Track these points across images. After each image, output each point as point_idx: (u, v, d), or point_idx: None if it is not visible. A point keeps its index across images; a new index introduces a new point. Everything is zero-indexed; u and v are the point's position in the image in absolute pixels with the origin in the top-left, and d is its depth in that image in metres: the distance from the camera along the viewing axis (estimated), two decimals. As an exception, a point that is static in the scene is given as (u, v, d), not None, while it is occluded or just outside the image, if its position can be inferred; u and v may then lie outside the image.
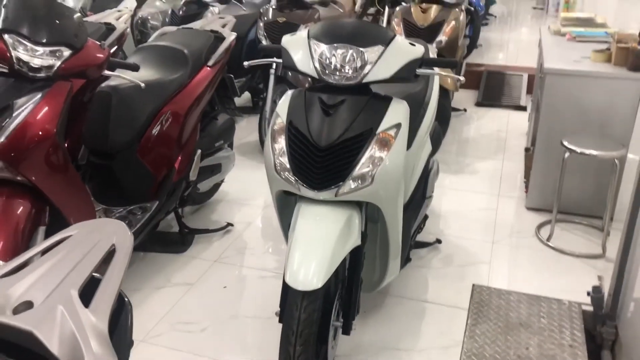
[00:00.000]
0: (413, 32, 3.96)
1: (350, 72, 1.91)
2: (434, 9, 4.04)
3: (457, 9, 4.18)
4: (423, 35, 3.94)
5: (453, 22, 4.05)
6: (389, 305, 2.61)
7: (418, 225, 2.79)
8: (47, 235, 2.23)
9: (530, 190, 3.46)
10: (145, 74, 2.70)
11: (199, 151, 2.90)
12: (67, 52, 2.10)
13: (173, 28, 3.22)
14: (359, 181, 1.87)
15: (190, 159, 2.84)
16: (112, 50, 3.07)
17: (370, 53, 1.91)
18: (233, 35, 3.12)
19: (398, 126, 1.93)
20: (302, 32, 2.03)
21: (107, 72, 2.27)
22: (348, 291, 2.02)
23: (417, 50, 1.99)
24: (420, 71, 2.01)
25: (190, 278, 2.78)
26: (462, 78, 2.03)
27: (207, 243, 3.07)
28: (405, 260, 2.83)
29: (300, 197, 1.95)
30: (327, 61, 1.91)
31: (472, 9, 4.76)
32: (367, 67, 1.90)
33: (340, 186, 1.86)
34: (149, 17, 4.80)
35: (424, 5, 4.07)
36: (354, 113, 1.89)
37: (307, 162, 1.86)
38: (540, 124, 3.30)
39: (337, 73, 1.91)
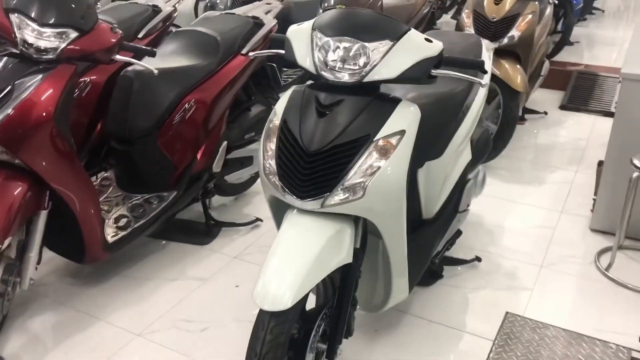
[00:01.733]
0: (483, 25, 3.61)
1: (351, 69, 1.69)
2: (509, 1, 3.66)
3: (536, 2, 3.77)
4: (493, 29, 3.58)
5: (530, 16, 3.65)
6: (404, 326, 2.38)
7: (448, 242, 2.53)
8: (50, 219, 2.21)
9: (597, 210, 3.06)
10: (171, 60, 2.62)
11: (225, 142, 2.79)
12: (73, 34, 2.04)
13: (216, 13, 3.12)
14: (350, 192, 1.66)
15: (214, 149, 2.73)
16: (156, 32, 3.03)
17: (376, 49, 1.68)
18: (273, 22, 2.97)
19: (401, 133, 1.70)
20: (309, 22, 1.83)
21: (118, 57, 2.20)
22: (337, 311, 1.82)
23: (433, 47, 1.73)
24: (437, 72, 1.75)
25: (205, 273, 2.69)
26: (482, 81, 1.75)
27: (232, 237, 2.96)
28: (433, 275, 2.59)
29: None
30: (327, 56, 1.71)
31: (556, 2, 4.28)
32: (370, 65, 1.68)
33: (327, 197, 1.66)
34: (217, 1, 4.75)
35: (497, -4, 3.70)
36: (351, 115, 1.68)
37: (294, 168, 1.68)
38: (612, 136, 2.89)
39: (337, 70, 1.70)
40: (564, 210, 3.29)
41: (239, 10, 3.13)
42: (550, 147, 4.15)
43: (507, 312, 2.45)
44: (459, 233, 2.64)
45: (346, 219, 1.74)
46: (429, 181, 2.28)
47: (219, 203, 3.24)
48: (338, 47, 1.70)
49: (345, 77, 1.70)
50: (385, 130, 1.68)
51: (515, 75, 3.56)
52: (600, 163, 3.27)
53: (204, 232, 2.93)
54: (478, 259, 2.76)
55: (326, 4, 3.94)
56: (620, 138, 2.87)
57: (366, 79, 1.68)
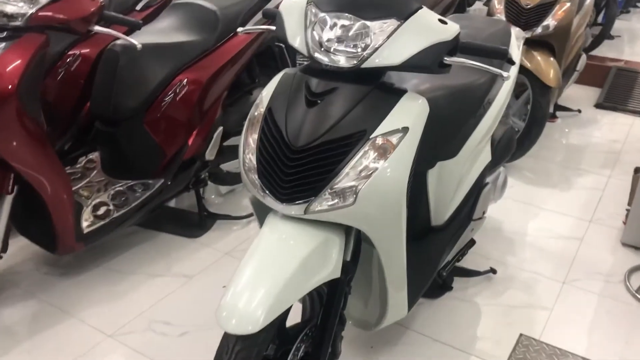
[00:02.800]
0: (515, 12, 3.28)
1: (349, 52, 1.43)
2: (545, -14, 3.33)
3: (575, -11, 3.43)
4: (526, 17, 3.26)
5: (568, 4, 3.31)
6: (404, 344, 2.13)
7: (459, 252, 2.26)
8: (21, 203, 2.01)
9: (630, 222, 2.75)
10: (164, 35, 2.38)
11: (221, 128, 2.55)
12: (42, 0, 1.81)
13: (220, -16, 2.86)
14: (339, 198, 1.41)
15: (208, 135, 2.50)
16: (155, 4, 2.80)
17: (378, 29, 1.41)
18: (281, -1, 2.69)
19: (404, 130, 1.43)
20: (304, -5, 1.57)
21: (97, 28, 1.97)
22: (321, 331, 1.58)
23: (448, 30, 1.46)
24: (451, 60, 1.47)
25: (191, 269, 2.47)
26: (505, 74, 1.47)
27: (226, 231, 2.73)
28: (442, 287, 2.34)
29: (272, 206, 1.52)
30: (322, 34, 1.45)
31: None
32: (371, 48, 1.41)
33: (312, 201, 1.41)
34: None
35: (533, -19, 3.37)
36: (345, 107, 1.42)
37: (276, 165, 1.43)
38: (652, 142, 2.57)
39: (333, 52, 1.44)
40: (593, 219, 2.98)
41: (246, -16, 2.87)
42: (582, 149, 3.82)
43: (521, 335, 2.18)
44: (472, 243, 2.37)
45: (335, 227, 1.49)
46: (441, 184, 2.01)
47: (216, 193, 3.01)
48: (335, 25, 1.44)
49: (341, 60, 1.43)
50: (385, 126, 1.41)
51: (548, 68, 3.24)
52: (637, 170, 2.96)
53: (197, 223, 2.71)
54: (493, 270, 2.48)
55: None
56: (663, 144, 2.55)
57: (365, 65, 1.42)
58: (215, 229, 2.75)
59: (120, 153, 2.37)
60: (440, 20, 1.47)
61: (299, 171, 1.40)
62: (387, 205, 1.45)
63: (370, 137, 1.40)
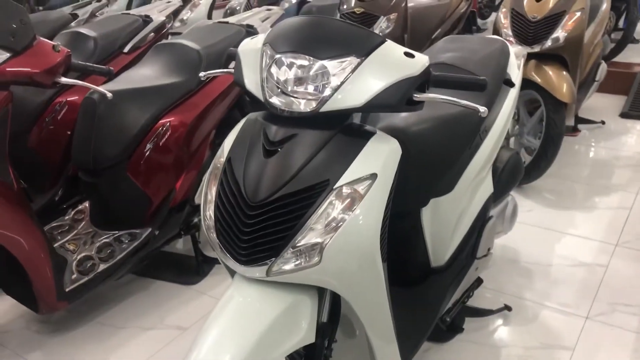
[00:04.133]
0: (522, 26, 3.11)
1: (309, 94, 1.30)
2: (553, -4, 3.15)
3: (586, -4, 3.24)
4: (534, 31, 3.08)
5: (578, 14, 3.13)
6: (409, 397, 1.95)
7: (465, 294, 2.09)
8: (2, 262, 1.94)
9: (659, 246, 2.53)
10: (145, 78, 2.30)
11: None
12: (3, 56, 1.74)
13: (208, 22, 2.78)
14: (303, 257, 1.27)
15: (196, 178, 2.39)
16: (144, 45, 2.74)
17: (337, 68, 1.28)
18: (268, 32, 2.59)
19: (372, 177, 1.29)
20: (263, 35, 1.45)
21: (64, 80, 1.89)
22: (300, 401, 1.43)
23: (415, 64, 1.31)
24: (421, 96, 1.33)
25: (186, 320, 2.35)
26: (482, 109, 1.31)
27: (224, 276, 2.61)
28: (452, 328, 2.16)
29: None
30: (276, 78, 1.33)
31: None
32: (329, 90, 1.28)
33: (273, 263, 1.27)
34: (237, 7, 4.44)
35: (540, -9, 3.19)
36: (306, 155, 1.29)
37: (233, 223, 1.30)
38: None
39: (291, 94, 1.31)
40: (620, 243, 2.76)
41: (233, 19, 2.79)
42: (607, 163, 3.59)
43: (539, 381, 1.98)
44: (478, 282, 2.19)
45: (307, 287, 1.35)
46: (437, 222, 1.85)
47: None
48: (293, 65, 1.31)
49: (299, 105, 1.31)
50: (350, 174, 1.27)
51: (561, 83, 3.05)
52: (664, 187, 2.73)
53: (193, 269, 2.59)
54: (508, 308, 2.29)
55: (344, 6, 3.54)
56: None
57: (324, 108, 1.28)
58: (213, 274, 2.63)
59: (106, 203, 2.29)
60: (406, 53, 1.33)
61: (258, 229, 1.27)
62: (358, 260, 1.30)
63: (334, 187, 1.26)
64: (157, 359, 2.16)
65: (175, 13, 3.12)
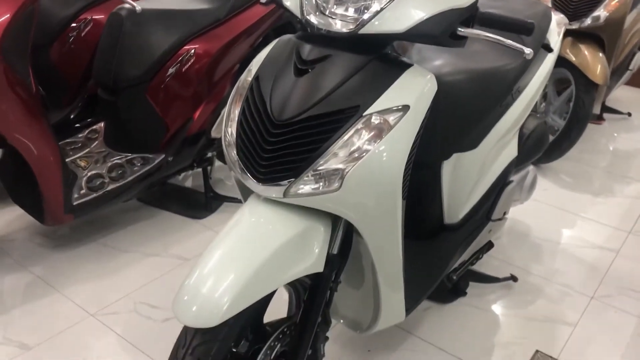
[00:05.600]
0: (562, 1, 3.02)
1: (346, 15, 1.24)
2: (600, -26, 3.05)
3: (634, -22, 3.14)
4: (575, 6, 2.99)
5: (623, -5, 3.04)
6: (405, 349, 1.94)
7: (474, 255, 2.06)
8: (7, 171, 1.91)
9: (674, 237, 2.48)
10: (172, 1, 2.23)
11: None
12: (33, -48, 1.69)
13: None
14: (323, 182, 1.23)
15: (215, 111, 2.35)
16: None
17: (382, -11, 1.23)
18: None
19: (404, 109, 1.24)
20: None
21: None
22: (301, 329, 1.41)
23: (463, -5, 1.26)
24: (466, 31, 1.27)
25: (189, 252, 2.33)
26: (527, 50, 1.26)
27: (232, 214, 2.57)
28: (455, 291, 2.14)
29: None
30: (316, -4, 1.27)
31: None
32: (370, 11, 1.23)
33: (292, 183, 1.23)
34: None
35: (586, -33, 3.09)
36: (338, 78, 1.24)
37: (256, 141, 1.26)
38: None
39: (329, 14, 1.26)
40: (633, 231, 2.71)
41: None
42: (628, 155, 3.52)
43: (537, 351, 1.96)
44: (489, 246, 2.15)
45: (322, 214, 1.31)
46: (457, 178, 1.81)
47: (226, 174, 2.87)
48: (335, -16, 1.26)
49: (337, 25, 1.25)
50: (382, 102, 1.23)
51: (595, 64, 2.97)
52: (687, 180, 2.67)
53: (202, 204, 2.57)
54: (514, 278, 2.26)
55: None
56: None
57: (363, 30, 1.23)
58: (221, 211, 2.61)
59: (121, 124, 2.25)
60: (455, -16, 1.27)
61: (280, 148, 1.23)
62: (378, 194, 1.26)
63: (364, 114, 1.22)
64: (156, 284, 2.15)
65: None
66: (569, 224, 2.74)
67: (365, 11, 1.23)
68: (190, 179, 2.85)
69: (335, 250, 1.36)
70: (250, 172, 1.27)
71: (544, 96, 3.24)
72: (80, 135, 2.38)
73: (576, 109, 3.01)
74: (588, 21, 2.99)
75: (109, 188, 2.15)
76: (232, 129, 1.33)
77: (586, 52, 3.01)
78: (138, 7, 1.94)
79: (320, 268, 1.31)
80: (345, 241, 1.40)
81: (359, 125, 1.21)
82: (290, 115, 1.23)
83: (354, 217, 1.28)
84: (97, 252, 2.28)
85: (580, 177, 3.19)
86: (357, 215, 1.28)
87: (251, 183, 1.28)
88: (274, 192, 1.26)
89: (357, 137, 1.22)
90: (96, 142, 2.34)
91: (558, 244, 2.57)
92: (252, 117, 1.28)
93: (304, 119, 1.22)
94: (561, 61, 2.98)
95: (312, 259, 1.29)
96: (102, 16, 2.40)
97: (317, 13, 1.28)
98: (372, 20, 1.22)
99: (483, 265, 2.30)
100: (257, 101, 1.29)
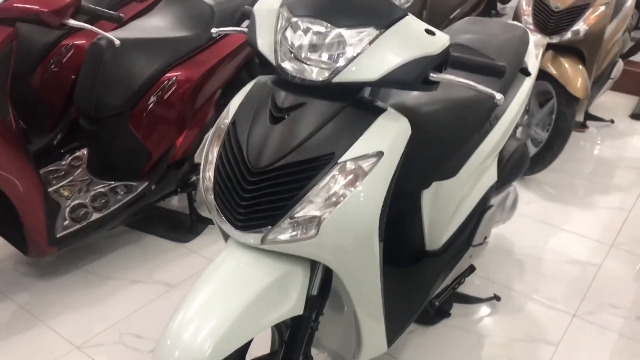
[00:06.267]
0: (543, 15, 3.04)
1: (321, 61, 1.26)
2: (578, -13, 3.08)
3: (612, -8, 3.17)
4: (555, 21, 3.01)
5: (602, 8, 3.06)
6: (389, 376, 1.96)
7: (456, 280, 2.08)
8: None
9: (655, 252, 2.52)
10: (155, 29, 2.24)
11: (213, 129, 2.40)
12: (11, -10, 1.69)
13: (225, -23, 2.70)
14: (300, 229, 1.25)
15: (198, 137, 2.36)
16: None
17: (355, 38, 1.24)
18: (286, -6, 2.53)
19: (378, 155, 1.26)
20: (284, -6, 1.40)
21: (72, 22, 1.84)
22: (283, 370, 1.43)
23: (435, 42, 1.27)
24: (438, 77, 1.29)
25: (174, 277, 2.34)
26: (498, 96, 1.28)
27: (217, 237, 2.60)
28: (439, 312, 2.16)
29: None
30: (291, 42, 1.28)
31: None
32: (343, 60, 1.24)
33: (269, 231, 1.25)
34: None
35: (565, -19, 3.11)
36: (313, 126, 1.25)
37: (233, 187, 1.27)
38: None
39: (304, 60, 1.27)
40: (615, 244, 2.75)
41: (251, -23, 2.71)
42: (611, 163, 3.56)
43: (520, 373, 1.99)
44: (471, 270, 2.18)
45: (300, 258, 1.33)
46: (437, 206, 1.83)
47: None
48: (308, 30, 1.27)
49: (312, 73, 1.27)
50: (356, 149, 1.24)
51: (576, 77, 3.00)
52: (666, 193, 2.71)
53: (187, 227, 2.58)
54: (497, 297, 2.29)
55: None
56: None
57: (337, 79, 1.24)
58: (206, 233, 2.62)
59: (104, 152, 2.26)
60: (427, 30, 1.28)
61: (257, 195, 1.25)
62: (355, 238, 1.28)
63: (339, 161, 1.23)
64: (142, 313, 2.16)
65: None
66: (552, 238, 2.77)
67: (340, 57, 1.24)
68: (175, 200, 2.86)
69: (314, 292, 1.38)
70: (227, 218, 1.29)
71: (527, 109, 3.27)
72: (63, 163, 2.38)
73: (558, 122, 3.04)
74: (568, 35, 3.02)
75: (93, 218, 2.15)
76: (210, 174, 1.34)
77: (567, 66, 3.04)
78: (117, 41, 1.94)
79: (300, 311, 1.33)
80: (325, 280, 1.42)
81: (334, 172, 1.23)
82: (266, 163, 1.24)
83: (332, 261, 1.30)
84: (82, 280, 2.29)
85: (563, 188, 3.23)
86: (335, 259, 1.30)
87: (229, 228, 1.30)
88: (252, 238, 1.27)
89: (332, 184, 1.23)
90: (79, 169, 2.34)
91: (541, 259, 2.60)
92: (229, 163, 1.29)
93: (279, 166, 1.23)
94: (543, 74, 3.01)
95: (291, 302, 1.31)
96: (84, 41, 2.39)
97: (292, 58, 1.29)
98: (346, 69, 1.23)
99: (466, 285, 2.33)
100: (234, 148, 1.30)
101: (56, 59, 2.42)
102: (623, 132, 4.03)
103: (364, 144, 1.25)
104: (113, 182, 2.26)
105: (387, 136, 1.28)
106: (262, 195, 1.24)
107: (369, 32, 1.24)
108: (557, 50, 3.07)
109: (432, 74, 1.27)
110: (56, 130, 2.47)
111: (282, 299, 1.30)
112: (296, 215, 1.23)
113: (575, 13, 3.02)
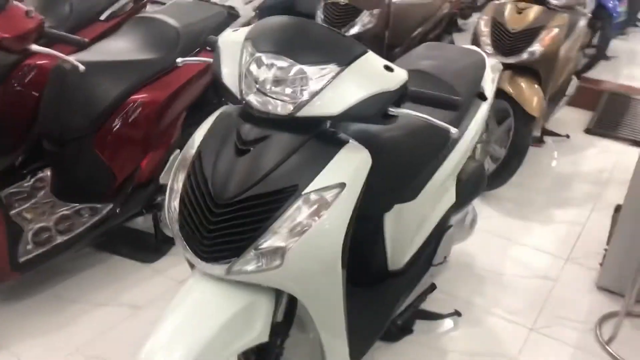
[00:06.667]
0: (500, 36, 3.15)
1: (284, 95, 1.30)
2: (534, 11, 3.19)
3: (565, 14, 3.30)
4: (512, 42, 3.13)
5: (556, 30, 3.18)
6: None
7: (418, 298, 2.14)
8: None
9: (606, 265, 2.62)
10: (120, 52, 2.25)
11: (178, 151, 2.42)
12: (-28, 17, 1.69)
13: (190, -1, 2.73)
14: (265, 259, 1.28)
15: (163, 159, 2.37)
16: (123, 14, 2.67)
17: (317, 75, 1.29)
18: (251, 15, 2.59)
19: (340, 186, 1.30)
20: (246, 29, 1.44)
21: (35, 48, 1.84)
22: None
23: (394, 78, 1.33)
24: (396, 111, 1.35)
25: (140, 299, 2.34)
26: (454, 130, 1.34)
27: (182, 257, 2.59)
28: (402, 329, 2.21)
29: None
30: (255, 76, 1.32)
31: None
32: (307, 96, 1.29)
33: (235, 262, 1.28)
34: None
35: (521, 4, 3.23)
36: (277, 158, 1.29)
37: (198, 219, 1.30)
38: (631, 188, 2.45)
39: (268, 94, 1.31)
40: (570, 258, 2.86)
41: (218, -2, 2.74)
42: (567, 178, 3.69)
43: (480, 388, 2.06)
44: (432, 288, 2.24)
45: (264, 286, 1.36)
46: (399, 227, 1.89)
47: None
48: (272, 66, 1.31)
49: (275, 107, 1.31)
50: (319, 181, 1.29)
51: (531, 97, 3.11)
52: (617, 208, 2.82)
53: (152, 247, 2.58)
54: (457, 313, 2.36)
55: (329, -5, 3.52)
56: (642, 186, 2.43)
57: (300, 113, 1.29)
58: (171, 253, 2.62)
59: (68, 174, 2.25)
60: (386, 67, 1.34)
61: (222, 227, 1.28)
62: (319, 266, 1.32)
63: (303, 192, 1.28)
64: (108, 337, 2.15)
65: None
66: (511, 252, 2.86)
67: (303, 91, 1.28)
68: (139, 218, 2.85)
69: (279, 319, 1.41)
70: (193, 249, 1.32)
71: (485, 126, 3.37)
72: (26, 184, 2.36)
73: (515, 140, 3.15)
74: (525, 56, 3.13)
75: (57, 242, 2.14)
76: (176, 204, 1.36)
77: (523, 85, 3.15)
78: (82, 67, 1.94)
79: (265, 338, 1.37)
80: (290, 306, 1.46)
81: (298, 204, 1.27)
82: (230, 195, 1.27)
83: (296, 289, 1.34)
84: (46, 304, 2.27)
85: (521, 203, 3.33)
86: (299, 288, 1.34)
87: (195, 259, 1.33)
88: (217, 269, 1.30)
89: (297, 215, 1.27)
90: (43, 191, 2.33)
91: (500, 274, 2.68)
92: (194, 195, 1.32)
93: (244, 199, 1.27)
94: (500, 93, 3.11)
95: (257, 330, 1.34)
96: (47, 61, 2.38)
97: (256, 92, 1.33)
98: (309, 104, 1.28)
99: (429, 300, 2.38)
100: (198, 179, 1.33)
101: (19, 78, 2.40)
102: (578, 146, 4.18)
103: (326, 176, 1.29)
104: (77, 204, 2.26)
105: (349, 168, 1.33)
106: (227, 227, 1.27)
107: (331, 68, 1.29)
108: (514, 70, 3.18)
109: (391, 109, 1.33)
110: (19, 151, 2.45)
111: (247, 328, 1.33)
112: (261, 247, 1.27)
113: (530, 35, 3.14)
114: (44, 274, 2.39)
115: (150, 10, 3.15)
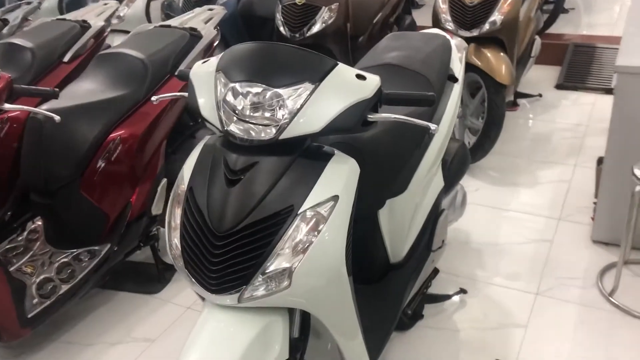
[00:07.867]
0: (460, 11, 3.18)
1: (265, 118, 1.33)
2: (488, -19, 3.23)
3: (519, -23, 3.34)
4: (471, 15, 3.16)
5: (512, -4, 3.23)
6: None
7: (423, 285, 2.19)
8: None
9: (598, 218, 2.69)
10: (90, 92, 2.25)
11: (164, 180, 2.44)
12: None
13: (149, 26, 2.73)
14: (274, 283, 1.31)
15: (151, 190, 2.38)
16: (85, 52, 2.66)
17: (292, 95, 1.31)
18: (213, 33, 2.59)
19: (334, 199, 1.34)
20: (215, 59, 1.46)
21: (7, 106, 1.84)
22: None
23: (367, 86, 1.36)
24: (375, 117, 1.38)
25: (153, 331, 2.36)
26: (433, 126, 1.38)
27: (186, 283, 2.62)
28: (412, 316, 2.25)
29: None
30: (233, 105, 1.35)
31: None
32: (286, 117, 1.31)
33: (244, 290, 1.31)
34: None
35: (475, -24, 3.26)
36: (268, 183, 1.32)
37: (201, 253, 1.33)
38: (610, 139, 2.51)
39: (249, 120, 1.34)
40: (562, 217, 2.92)
41: (174, 21, 2.74)
42: (545, 137, 3.76)
43: (496, 360, 2.11)
44: (435, 272, 2.29)
45: (278, 307, 1.40)
46: (394, 221, 1.93)
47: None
48: (248, 93, 1.33)
49: (258, 133, 1.33)
50: (313, 198, 1.32)
51: (500, 65, 3.16)
52: (599, 161, 2.88)
53: (155, 277, 2.60)
54: (463, 291, 2.41)
55: (285, -2, 3.52)
56: (619, 142, 2.49)
57: (283, 135, 1.31)
58: (175, 280, 2.64)
59: (61, 223, 2.26)
60: (358, 75, 1.37)
61: (227, 258, 1.30)
62: (326, 278, 1.36)
63: (299, 212, 1.31)
64: (128, 373, 2.18)
65: (112, 15, 3.04)
66: (504, 221, 2.92)
67: (283, 113, 1.30)
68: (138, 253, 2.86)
69: (296, 334, 1.44)
70: (200, 282, 1.34)
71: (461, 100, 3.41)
72: (19, 238, 2.36)
73: (490, 109, 3.20)
74: (486, 27, 3.18)
75: (62, 291, 2.15)
76: (177, 241, 1.39)
77: (490, 56, 3.19)
78: (57, 118, 1.94)
79: (286, 355, 1.40)
80: (304, 319, 1.49)
81: (296, 223, 1.30)
82: (229, 226, 1.30)
83: (307, 305, 1.37)
84: (61, 352, 2.28)
85: (506, 170, 3.39)
86: (310, 303, 1.37)
87: (204, 292, 1.35)
88: (228, 299, 1.33)
89: (296, 234, 1.30)
90: (38, 242, 2.33)
91: (497, 244, 2.74)
92: (193, 229, 1.34)
93: (243, 227, 1.29)
94: (470, 67, 3.15)
95: (276, 351, 1.37)
96: (17, 112, 2.37)
97: (237, 120, 1.35)
98: (290, 125, 1.31)
99: (433, 284, 2.43)
100: (195, 214, 1.35)
101: (-6, 133, 2.39)
102: (552, 104, 4.25)
103: (319, 192, 1.32)
104: (75, 250, 2.26)
105: (339, 180, 1.36)
106: (231, 257, 1.30)
107: (305, 87, 1.31)
108: (479, 42, 3.22)
109: (369, 116, 1.36)
110: (6, 206, 2.44)
111: (267, 350, 1.36)
112: (268, 271, 1.30)
113: (489, 5, 3.18)
114: (53, 323, 2.39)
115: (110, 41, 3.15)
